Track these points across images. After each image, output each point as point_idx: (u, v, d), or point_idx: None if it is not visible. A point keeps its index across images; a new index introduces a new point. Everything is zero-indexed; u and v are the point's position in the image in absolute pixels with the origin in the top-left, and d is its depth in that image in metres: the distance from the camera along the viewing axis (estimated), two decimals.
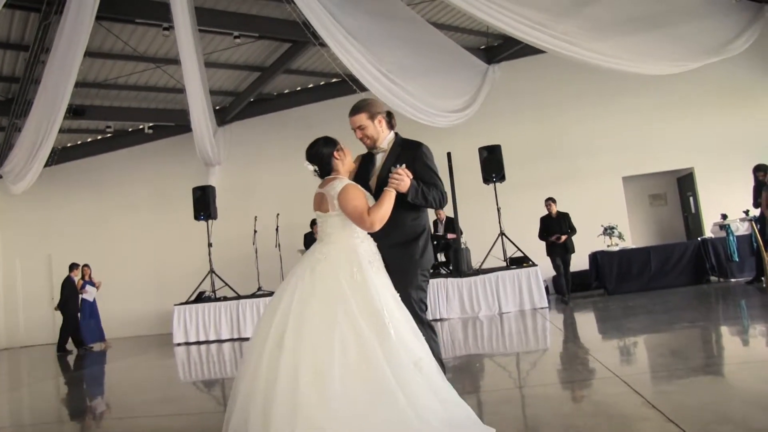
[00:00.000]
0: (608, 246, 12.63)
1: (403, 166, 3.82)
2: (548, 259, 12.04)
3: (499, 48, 15.10)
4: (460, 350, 7.89)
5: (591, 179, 14.43)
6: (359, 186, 3.81)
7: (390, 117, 4.14)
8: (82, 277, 14.83)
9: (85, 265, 14.99)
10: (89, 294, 14.84)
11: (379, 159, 4.07)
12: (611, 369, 5.18)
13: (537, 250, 12.16)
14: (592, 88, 14.67)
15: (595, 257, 12.67)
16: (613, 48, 10.77)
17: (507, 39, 14.83)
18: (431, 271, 4.08)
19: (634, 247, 13.19)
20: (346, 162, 3.89)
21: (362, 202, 3.66)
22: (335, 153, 3.84)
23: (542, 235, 12.03)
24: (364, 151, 4.21)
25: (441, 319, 11.48)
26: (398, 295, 3.64)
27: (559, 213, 11.94)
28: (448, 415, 3.29)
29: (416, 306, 3.81)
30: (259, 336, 3.49)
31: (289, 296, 3.50)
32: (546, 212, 12.10)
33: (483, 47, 15.15)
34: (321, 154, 3.84)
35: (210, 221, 14.05)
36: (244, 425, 3.23)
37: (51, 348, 14.83)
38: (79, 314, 14.49)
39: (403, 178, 3.74)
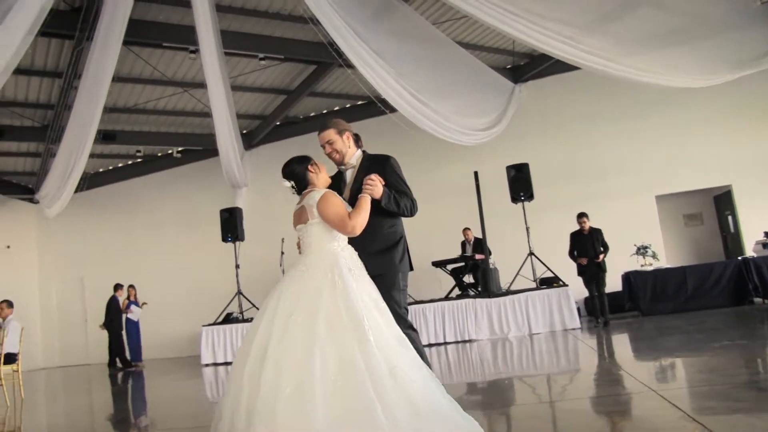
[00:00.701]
0: (642, 266, 12.27)
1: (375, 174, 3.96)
2: (579, 279, 11.57)
3: (525, 67, 15.00)
4: (489, 371, 7.69)
5: (622, 198, 14.08)
6: (337, 194, 3.89)
7: (357, 137, 4.31)
8: (128, 297, 15.03)
9: (131, 286, 15.27)
10: (134, 314, 15.00)
11: (349, 174, 4.23)
12: (647, 384, 4.96)
13: (567, 270, 11.78)
14: (621, 106, 14.40)
15: (628, 277, 12.29)
16: (646, 62, 10.54)
17: (533, 58, 14.78)
18: (407, 279, 4.17)
19: (669, 266, 12.80)
20: (321, 177, 3.96)
21: (342, 208, 3.75)
22: (309, 167, 3.94)
23: (572, 253, 11.52)
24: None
25: (470, 340, 11.26)
26: (382, 300, 3.64)
27: (591, 229, 11.41)
28: (423, 425, 3.22)
29: (399, 309, 3.93)
30: (243, 349, 3.52)
31: (272, 309, 3.52)
32: (576, 228, 11.58)
33: (509, 66, 15.05)
34: (296, 171, 3.95)
35: (237, 243, 14.06)
36: None
37: (86, 368, 14.97)
38: (123, 333, 14.80)
39: (376, 184, 3.89)
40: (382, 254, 4.03)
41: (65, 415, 7.81)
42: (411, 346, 3.56)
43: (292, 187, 3.96)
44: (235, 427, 3.23)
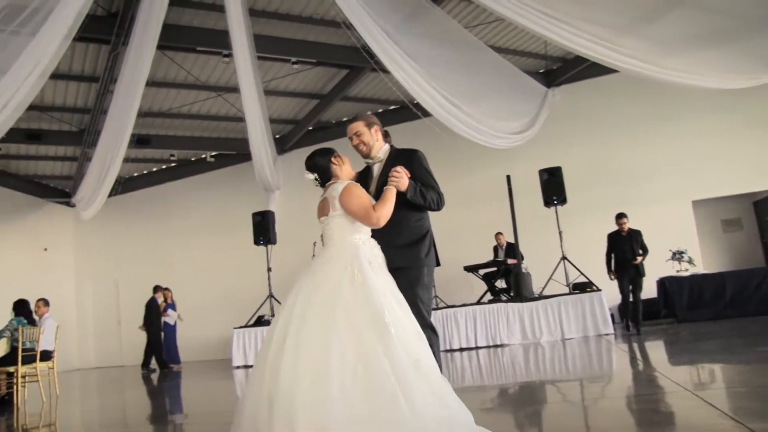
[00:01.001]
0: (677, 271, 12.01)
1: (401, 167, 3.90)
2: (613, 283, 11.11)
3: (558, 71, 14.87)
4: (522, 374, 7.58)
5: (657, 204, 13.78)
6: (360, 186, 3.84)
7: (386, 133, 4.28)
8: (164, 300, 15.18)
9: (166, 289, 15.44)
10: (170, 317, 15.18)
11: (376, 169, 4.17)
12: (683, 385, 4.84)
13: (601, 274, 11.45)
14: (657, 109, 14.16)
15: (663, 283, 12.02)
16: (685, 63, 10.32)
17: (566, 62, 14.65)
18: (433, 275, 4.12)
19: (706, 272, 12.53)
20: (344, 169, 3.92)
21: (366, 200, 3.71)
22: (333, 159, 3.90)
23: (609, 256, 11.00)
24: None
25: (501, 345, 11.14)
26: (401, 295, 3.60)
27: (630, 230, 10.87)
28: (444, 415, 3.23)
29: (422, 305, 3.87)
30: (266, 341, 3.51)
31: (292, 301, 3.50)
32: (614, 229, 11.06)
33: (542, 71, 14.92)
34: (319, 163, 3.91)
35: (269, 246, 14.10)
36: (253, 428, 3.23)
37: (121, 369, 15.15)
38: (162, 335, 15.01)
39: (402, 176, 3.82)
40: (407, 248, 3.95)
41: (99, 412, 7.89)
42: (426, 342, 3.51)
43: (316, 179, 3.92)
44: (257, 416, 3.23)
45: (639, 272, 10.75)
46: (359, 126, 4.14)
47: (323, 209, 3.79)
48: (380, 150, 4.18)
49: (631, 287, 10.79)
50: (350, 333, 3.31)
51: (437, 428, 3.12)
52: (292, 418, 3.09)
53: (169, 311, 15.23)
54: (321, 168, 3.89)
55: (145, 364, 14.92)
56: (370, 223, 3.67)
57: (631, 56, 10.02)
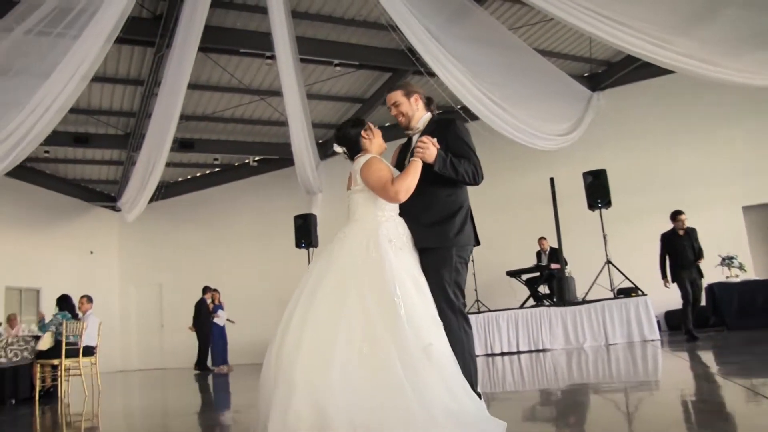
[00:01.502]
0: (727, 277, 11.61)
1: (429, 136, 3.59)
2: (659, 289, 10.74)
3: (602, 75, 14.66)
4: (563, 379, 7.39)
5: (705, 209, 13.30)
6: (384, 160, 3.65)
7: (429, 100, 3.94)
8: (213, 301, 15.28)
9: (215, 290, 15.50)
10: (220, 318, 15.26)
11: (415, 140, 3.80)
12: (745, 385, 4.62)
13: (647, 279, 11.20)
14: (704, 113, 13.83)
15: (711, 290, 11.55)
16: (742, 62, 9.97)
17: (610, 65, 14.45)
18: (468, 254, 3.75)
19: (758, 278, 12.11)
20: (375, 142, 3.72)
21: (386, 173, 3.49)
22: (363, 132, 3.70)
23: (663, 259, 10.48)
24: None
25: (543, 350, 10.92)
26: (422, 278, 3.42)
27: (687, 228, 10.38)
28: (455, 407, 3.05)
29: (449, 288, 3.53)
30: (282, 320, 3.38)
31: (306, 277, 3.41)
32: (668, 229, 10.64)
33: (586, 74, 14.71)
34: (349, 135, 3.72)
35: (311, 249, 14.09)
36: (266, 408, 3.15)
37: (164, 372, 15.23)
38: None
39: (428, 146, 3.51)
40: (435, 226, 3.60)
41: (140, 406, 7.92)
42: (442, 330, 3.31)
43: (344, 152, 3.75)
44: (268, 388, 3.15)
45: (701, 273, 10.34)
46: (397, 96, 3.84)
47: (349, 183, 3.66)
48: (420, 120, 3.87)
49: (691, 289, 10.28)
50: (358, 312, 3.17)
51: (445, 420, 2.96)
52: (290, 396, 2.98)
53: (219, 312, 15.31)
54: (350, 140, 3.72)
55: (199, 364, 14.95)
56: (387, 197, 3.47)
57: (687, 55, 9.74)
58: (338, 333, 3.11)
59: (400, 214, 3.61)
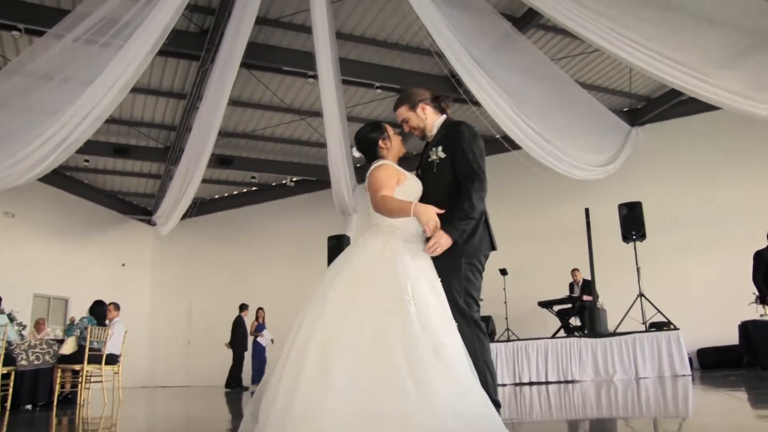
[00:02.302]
0: (761, 315, 11.27)
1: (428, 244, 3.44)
2: (693, 325, 10.70)
3: (642, 110, 14.60)
4: (591, 410, 7.22)
5: (741, 246, 13.01)
6: (401, 170, 3.62)
7: (437, 101, 3.83)
8: (256, 319, 15.25)
9: (260, 308, 15.48)
10: (264, 338, 15.21)
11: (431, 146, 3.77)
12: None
13: (679, 315, 11.07)
14: (742, 150, 13.68)
15: (745, 327, 11.22)
16: None
17: (650, 101, 14.40)
18: (482, 262, 3.63)
19: None
20: (392, 151, 3.74)
21: (385, 180, 3.48)
22: (381, 141, 3.71)
23: (758, 276, 10.39)
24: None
25: (572, 381, 10.72)
26: (438, 281, 3.37)
27: None
28: (464, 408, 2.97)
29: (459, 297, 3.45)
30: (296, 320, 3.43)
31: (323, 279, 3.45)
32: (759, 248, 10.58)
33: (626, 109, 14.64)
34: (366, 139, 3.74)
35: None
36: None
37: (187, 390, 15.18)
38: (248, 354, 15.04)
39: (435, 248, 3.38)
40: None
41: (162, 416, 7.87)
42: (457, 333, 3.25)
43: (362, 157, 3.77)
44: (274, 385, 3.16)
45: None
46: (403, 112, 3.78)
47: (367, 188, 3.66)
48: (434, 125, 3.79)
49: None
50: (369, 311, 3.16)
51: (455, 423, 2.88)
52: (293, 396, 2.99)
53: (264, 332, 15.25)
54: (368, 145, 3.73)
55: (230, 383, 14.83)
56: (372, 201, 3.50)
57: (732, 91, 9.63)
58: (346, 334, 3.11)
59: None
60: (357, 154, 3.79)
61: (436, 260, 3.46)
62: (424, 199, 3.56)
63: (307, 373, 3.03)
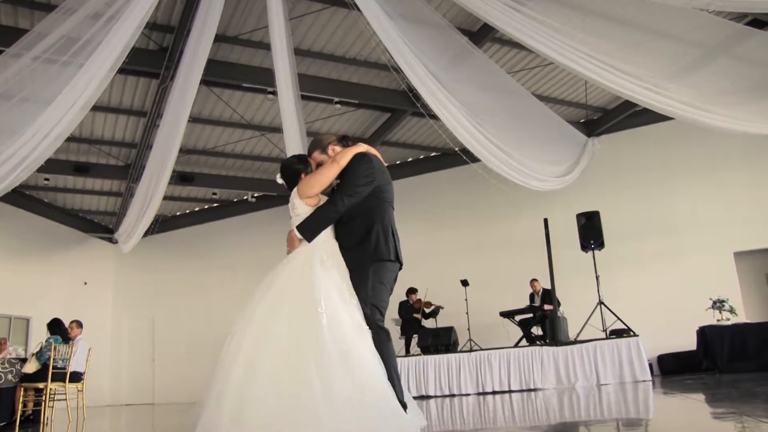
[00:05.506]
0: (718, 320, 11.58)
1: None
2: (652, 332, 10.98)
3: (598, 121, 14.93)
4: (554, 416, 7.38)
5: (697, 254, 13.46)
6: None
7: (344, 140, 4.32)
8: None
9: None
10: None
11: None
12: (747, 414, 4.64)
13: (639, 322, 11.35)
14: (697, 160, 14.11)
15: (703, 332, 11.52)
16: (744, 112, 10.13)
17: (606, 112, 14.72)
18: (388, 278, 4.15)
19: (749, 321, 12.09)
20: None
21: (317, 177, 4.03)
22: (303, 174, 4.14)
23: None
24: None
25: (535, 389, 10.89)
26: (349, 292, 3.85)
27: None
28: (369, 412, 3.43)
29: (366, 306, 3.90)
30: (230, 333, 3.89)
31: (252, 296, 3.95)
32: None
33: (582, 120, 14.96)
34: (291, 169, 4.17)
35: None
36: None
37: (152, 407, 15.03)
38: None
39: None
40: (352, 249, 4.06)
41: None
42: (369, 341, 3.70)
43: (284, 185, 4.14)
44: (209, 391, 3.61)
45: None
46: (317, 156, 4.25)
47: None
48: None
49: None
50: (286, 325, 3.62)
51: (350, 411, 3.34)
52: (221, 400, 3.45)
53: None
54: (290, 173, 4.17)
55: None
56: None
57: (685, 102, 9.91)
58: (269, 344, 3.55)
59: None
60: (280, 180, 4.16)
61: (351, 273, 3.99)
62: (335, 222, 4.14)
63: (236, 374, 3.48)
